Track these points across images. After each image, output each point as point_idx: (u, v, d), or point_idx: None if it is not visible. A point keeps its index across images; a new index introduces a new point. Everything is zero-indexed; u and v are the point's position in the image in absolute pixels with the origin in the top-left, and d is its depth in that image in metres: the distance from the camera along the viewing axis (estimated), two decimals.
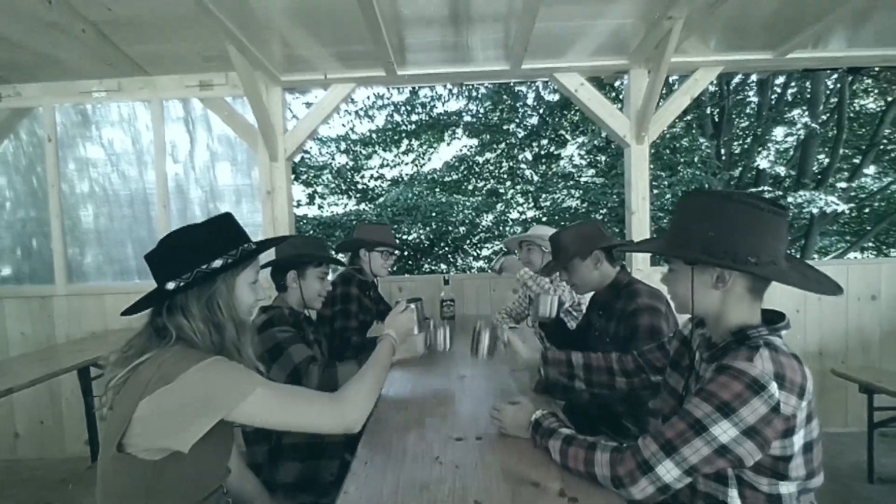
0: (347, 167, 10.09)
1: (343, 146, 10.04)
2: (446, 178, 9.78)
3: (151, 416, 0.86)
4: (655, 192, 6.74)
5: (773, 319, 1.01)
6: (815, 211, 6.62)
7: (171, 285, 0.98)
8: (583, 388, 1.39)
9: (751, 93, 8.20)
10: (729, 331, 1.01)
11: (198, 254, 1.00)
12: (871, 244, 8.66)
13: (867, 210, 8.39)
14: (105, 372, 0.96)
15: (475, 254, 9.04)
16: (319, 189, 9.90)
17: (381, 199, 9.05)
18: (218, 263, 1.00)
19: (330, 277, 1.95)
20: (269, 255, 1.38)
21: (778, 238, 0.97)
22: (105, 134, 3.16)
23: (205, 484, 0.99)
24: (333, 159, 10.08)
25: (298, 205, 9.25)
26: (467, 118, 9.58)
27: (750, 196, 0.98)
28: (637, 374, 1.36)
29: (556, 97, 8.58)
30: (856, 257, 8.07)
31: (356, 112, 9.78)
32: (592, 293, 1.89)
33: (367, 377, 1.11)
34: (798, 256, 7.72)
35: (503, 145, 9.38)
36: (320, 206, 9.82)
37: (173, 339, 0.95)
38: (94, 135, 3.15)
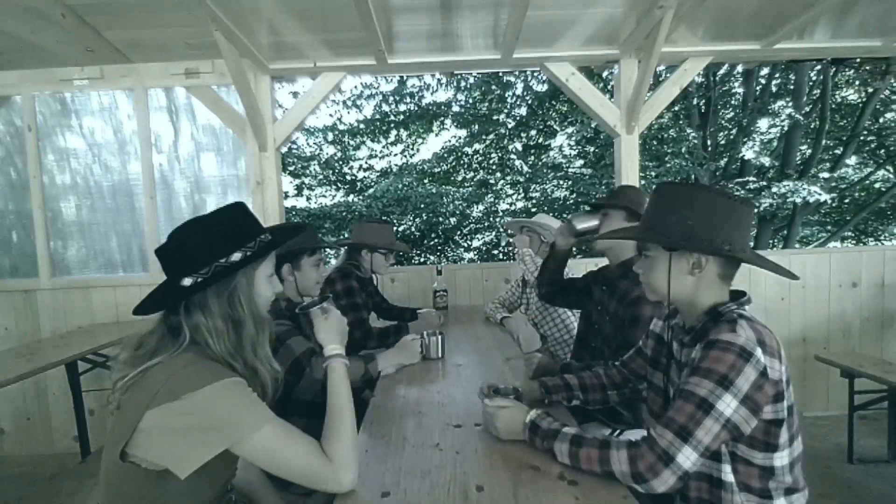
0: (335, 158, 9.98)
1: (331, 137, 9.92)
2: (436, 169, 9.73)
3: (155, 431, 0.83)
4: (643, 182, 6.80)
5: (736, 296, 1.08)
6: (797, 201, 6.75)
7: (187, 281, 0.92)
8: (578, 404, 1.41)
9: (736, 84, 8.30)
10: (702, 312, 1.06)
11: (215, 247, 0.94)
12: (850, 233, 8.88)
13: (847, 200, 8.58)
14: (113, 369, 0.92)
15: (466, 245, 9.05)
16: (307, 180, 9.79)
17: (371, 191, 8.99)
18: (237, 257, 0.94)
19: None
20: None
21: (747, 227, 1.05)
22: (86, 123, 3.07)
23: (212, 490, 0.96)
24: (321, 150, 9.97)
25: (286, 196, 9.15)
26: (456, 108, 9.52)
27: (720, 188, 1.05)
28: (625, 386, 1.39)
29: (545, 87, 8.57)
30: (836, 246, 8.27)
31: (344, 102, 9.66)
32: (601, 267, 1.91)
33: (347, 425, 0.98)
34: (782, 245, 7.81)
35: (492, 136, 9.36)
36: (308, 198, 9.73)
37: (186, 340, 0.91)
38: (75, 124, 3.07)
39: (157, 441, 0.84)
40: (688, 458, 0.92)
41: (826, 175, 7.47)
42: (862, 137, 7.75)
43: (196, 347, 0.92)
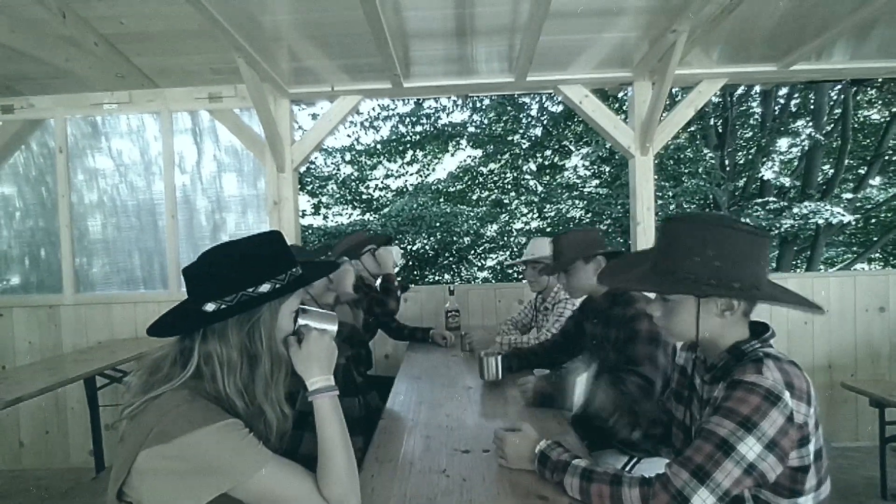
0: (352, 177, 10.15)
1: (348, 157, 10.12)
2: (451, 189, 9.82)
3: (148, 474, 0.81)
4: (660, 202, 6.73)
5: (759, 331, 1.02)
6: (820, 222, 6.59)
7: (210, 307, 0.88)
8: (639, 437, 1.34)
9: (754, 104, 8.22)
10: (724, 350, 1.01)
11: (245, 276, 0.90)
12: (877, 255, 8.60)
13: (874, 221, 8.35)
14: (125, 394, 0.90)
15: (479, 264, 9.04)
16: (325, 199, 9.96)
17: (386, 210, 9.09)
18: (265, 288, 0.90)
19: None
20: None
21: (766, 259, 1.00)
22: (114, 145, 3.20)
23: None
24: (339, 170, 10.16)
25: (304, 215, 9.31)
26: (471, 129, 9.63)
27: (738, 220, 1.00)
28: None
29: (560, 108, 8.63)
30: (863, 268, 8.01)
31: (361, 123, 9.87)
32: (584, 300, 1.90)
33: (340, 464, 0.91)
34: (804, 268, 7.54)
35: (507, 156, 9.42)
36: (325, 217, 9.87)
37: (191, 371, 0.87)
38: (104, 146, 3.20)
39: (150, 484, 0.81)
40: (704, 501, 0.87)
41: (849, 195, 7.30)
42: (887, 157, 7.57)
43: (195, 382, 0.88)
